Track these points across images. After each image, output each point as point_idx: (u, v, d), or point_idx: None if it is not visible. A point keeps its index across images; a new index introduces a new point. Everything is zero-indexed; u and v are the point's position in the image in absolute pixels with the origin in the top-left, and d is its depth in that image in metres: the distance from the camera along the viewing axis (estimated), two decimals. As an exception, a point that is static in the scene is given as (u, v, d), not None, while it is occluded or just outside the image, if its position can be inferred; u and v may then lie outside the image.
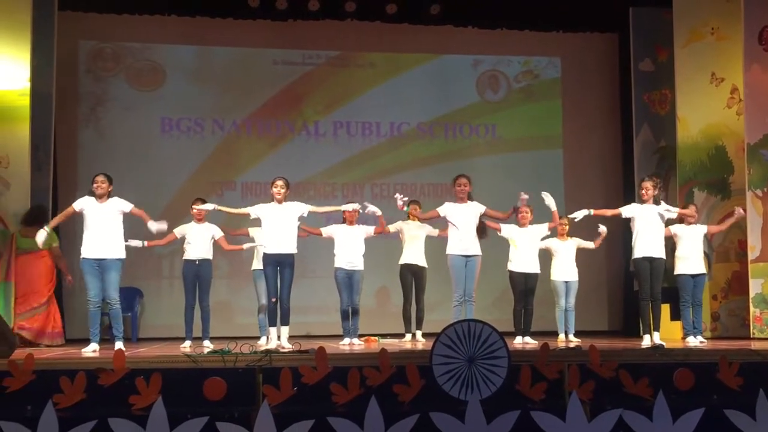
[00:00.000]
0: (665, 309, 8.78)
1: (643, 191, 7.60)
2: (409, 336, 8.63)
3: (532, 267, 8.22)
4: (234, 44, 10.99)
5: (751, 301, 8.86)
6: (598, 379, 5.31)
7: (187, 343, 7.80)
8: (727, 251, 9.41)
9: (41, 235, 6.90)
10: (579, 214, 7.57)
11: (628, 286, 11.12)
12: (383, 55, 11.36)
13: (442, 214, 7.59)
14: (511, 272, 8.23)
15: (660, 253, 7.54)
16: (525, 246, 8.18)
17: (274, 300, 7.08)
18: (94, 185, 6.89)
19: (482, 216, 7.61)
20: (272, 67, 11.14)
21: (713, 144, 9.74)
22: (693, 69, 9.87)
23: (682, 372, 5.43)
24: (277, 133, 11.05)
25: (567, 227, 8.62)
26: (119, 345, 6.79)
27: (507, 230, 8.15)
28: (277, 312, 7.21)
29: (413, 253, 8.58)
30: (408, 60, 11.39)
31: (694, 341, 7.86)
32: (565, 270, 8.62)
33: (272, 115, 11.06)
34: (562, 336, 8.62)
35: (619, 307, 11.46)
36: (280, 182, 7.21)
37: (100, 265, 6.80)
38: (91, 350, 6.75)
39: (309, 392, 5.08)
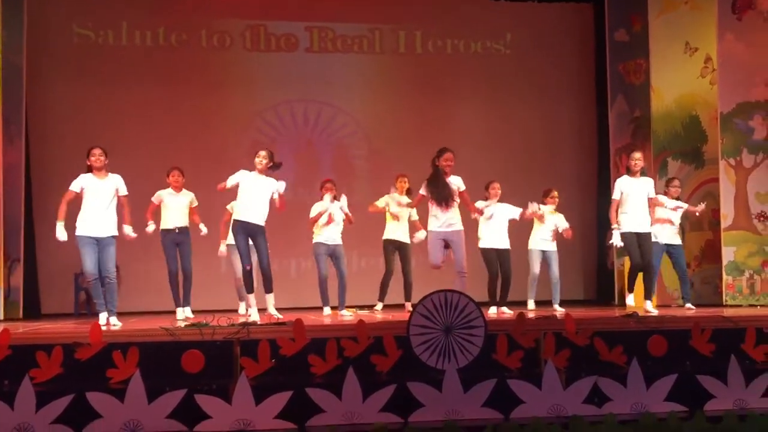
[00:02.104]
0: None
1: (633, 162, 7.64)
2: (380, 305, 8.66)
3: (503, 243, 8.31)
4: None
5: (723, 268, 8.97)
6: (574, 347, 5.37)
7: (180, 310, 7.79)
8: (701, 220, 9.51)
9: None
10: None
11: (602, 255, 11.24)
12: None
13: (424, 193, 7.49)
14: (482, 249, 8.33)
15: (647, 227, 7.62)
16: (496, 222, 8.29)
17: (248, 267, 7.06)
18: (92, 158, 6.74)
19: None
20: None
21: (687, 113, 9.80)
22: (667, 39, 9.90)
23: (656, 339, 5.50)
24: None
25: (556, 200, 8.71)
26: (114, 320, 6.75)
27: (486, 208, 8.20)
28: (252, 279, 7.20)
29: (397, 229, 8.62)
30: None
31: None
32: (543, 240, 8.67)
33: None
34: (531, 303, 8.65)
35: (593, 276, 11.57)
36: (263, 152, 7.19)
37: (99, 242, 6.70)
38: (104, 320, 6.71)
39: (287, 364, 5.09)
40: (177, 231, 7.89)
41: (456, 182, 7.32)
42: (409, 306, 8.64)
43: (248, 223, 7.04)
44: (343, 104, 11.30)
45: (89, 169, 6.78)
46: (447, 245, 7.24)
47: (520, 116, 11.56)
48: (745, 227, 8.95)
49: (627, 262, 8.11)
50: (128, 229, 6.92)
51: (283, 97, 11.17)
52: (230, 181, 7.12)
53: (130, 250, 10.12)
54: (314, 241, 8.22)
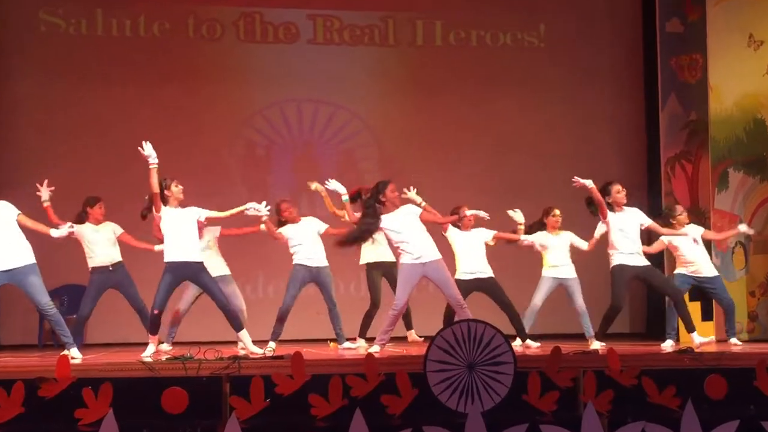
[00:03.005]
0: (696, 308, 8.83)
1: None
2: (361, 341, 8.47)
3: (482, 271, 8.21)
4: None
5: (793, 298, 8.94)
6: (618, 388, 5.35)
7: (163, 345, 7.85)
8: (766, 241, 9.48)
9: None
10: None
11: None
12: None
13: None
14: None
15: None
16: (468, 250, 8.19)
17: (156, 312, 7.04)
18: None
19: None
20: None
21: (751, 117, 9.78)
22: (728, 30, 9.89)
23: (714, 378, 5.47)
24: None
25: (559, 219, 8.61)
26: (74, 351, 6.88)
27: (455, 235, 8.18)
28: (158, 321, 7.20)
29: (380, 250, 8.53)
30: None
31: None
32: (554, 267, 8.51)
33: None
34: (519, 340, 8.32)
35: (641, 306, 11.52)
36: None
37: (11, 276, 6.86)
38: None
39: (284, 404, 5.09)
40: (111, 268, 7.92)
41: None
42: (412, 334, 8.63)
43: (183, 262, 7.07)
44: (351, 104, 11.36)
45: None
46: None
47: (556, 119, 11.56)
48: (819, 249, 8.92)
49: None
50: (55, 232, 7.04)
51: (281, 95, 11.24)
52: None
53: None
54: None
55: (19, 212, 7.00)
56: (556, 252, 8.47)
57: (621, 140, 11.76)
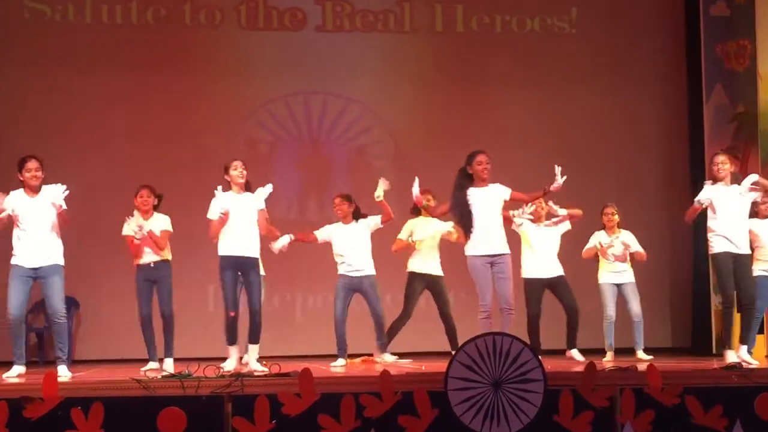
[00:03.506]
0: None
1: (716, 167, 7.68)
2: (388, 356, 8.67)
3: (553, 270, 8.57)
4: None
5: None
6: (659, 408, 5.33)
7: (152, 364, 7.87)
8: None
9: None
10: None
11: (699, 292, 11.12)
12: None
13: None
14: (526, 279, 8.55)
15: (745, 247, 7.63)
16: (543, 246, 8.51)
17: (232, 314, 7.14)
18: (26, 174, 7.01)
19: (506, 201, 7.62)
20: None
21: (805, 108, 9.75)
22: (779, 13, 9.88)
23: (766, 397, 5.44)
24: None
25: (616, 217, 8.72)
26: (63, 369, 6.93)
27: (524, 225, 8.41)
28: (236, 327, 7.29)
29: (424, 260, 8.65)
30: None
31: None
32: (612, 271, 8.73)
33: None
34: (610, 354, 8.70)
35: (685, 318, 11.47)
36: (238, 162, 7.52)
37: (37, 273, 6.96)
38: (16, 374, 6.79)
39: (291, 425, 5.09)
40: (152, 266, 8.00)
41: (497, 191, 7.54)
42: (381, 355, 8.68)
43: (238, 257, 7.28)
44: (363, 96, 11.37)
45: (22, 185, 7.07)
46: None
47: (589, 113, 11.54)
48: None
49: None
50: None
51: (287, 87, 11.27)
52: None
53: (93, 283, 10.25)
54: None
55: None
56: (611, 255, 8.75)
57: (661, 135, 11.72)
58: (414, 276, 8.79)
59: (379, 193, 8.16)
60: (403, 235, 8.72)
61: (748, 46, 10.33)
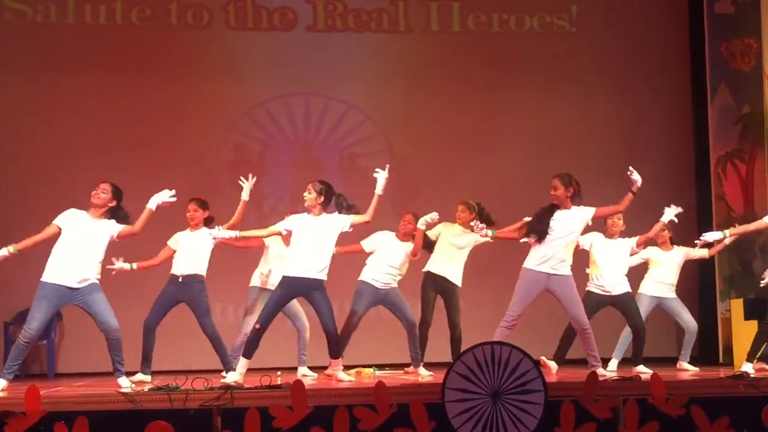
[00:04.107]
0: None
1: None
2: (420, 368, 8.71)
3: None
4: None
5: None
6: (664, 419, 5.35)
7: (140, 377, 7.88)
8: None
9: None
10: (710, 236, 7.72)
11: (705, 300, 11.13)
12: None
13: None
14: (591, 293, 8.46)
15: None
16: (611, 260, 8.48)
17: (258, 327, 7.12)
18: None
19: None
20: None
21: (813, 109, 9.79)
22: (786, 10, 9.91)
23: (773, 408, 5.46)
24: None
25: (669, 233, 8.91)
26: (124, 380, 6.95)
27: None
28: (258, 342, 7.27)
29: (444, 263, 8.67)
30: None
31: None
32: (660, 284, 8.88)
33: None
34: (614, 363, 8.71)
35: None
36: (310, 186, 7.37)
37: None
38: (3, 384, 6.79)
39: (283, 439, 5.10)
40: (180, 280, 7.96)
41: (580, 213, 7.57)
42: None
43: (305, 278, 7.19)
44: (357, 99, 11.40)
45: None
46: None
47: (589, 113, 11.57)
48: None
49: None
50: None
51: (276, 89, 11.29)
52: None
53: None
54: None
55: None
56: (665, 268, 8.86)
57: (664, 137, 11.74)
58: (429, 276, 8.72)
59: (421, 223, 8.18)
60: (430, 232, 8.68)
61: (754, 44, 10.36)
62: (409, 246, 8.36)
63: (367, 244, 8.46)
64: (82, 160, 10.44)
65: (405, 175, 11.05)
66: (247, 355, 7.05)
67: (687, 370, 8.54)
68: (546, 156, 11.09)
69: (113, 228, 7.00)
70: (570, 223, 7.42)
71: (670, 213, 8.34)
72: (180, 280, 7.89)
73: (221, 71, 11.12)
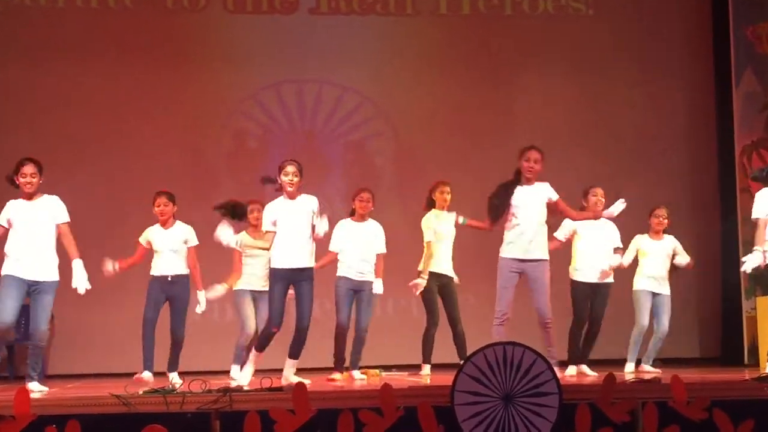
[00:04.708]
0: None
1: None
2: (427, 368, 8.77)
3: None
4: None
5: None
6: (685, 423, 5.34)
7: (146, 374, 7.92)
8: None
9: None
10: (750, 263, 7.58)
11: (729, 298, 11.13)
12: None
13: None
14: (575, 282, 8.44)
15: None
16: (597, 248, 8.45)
17: (275, 330, 7.15)
18: (21, 179, 7.08)
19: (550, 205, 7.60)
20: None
21: (843, 96, 9.78)
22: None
23: (801, 411, 5.46)
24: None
25: (666, 220, 8.80)
26: (35, 385, 7.01)
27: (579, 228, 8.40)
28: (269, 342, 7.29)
29: (440, 259, 8.69)
30: None
31: None
32: (652, 278, 8.75)
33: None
34: (631, 365, 8.70)
35: (714, 326, 11.49)
36: (291, 168, 7.27)
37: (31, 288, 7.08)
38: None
39: (285, 445, 5.11)
40: (169, 279, 8.08)
41: (542, 191, 7.49)
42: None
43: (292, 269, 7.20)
44: (361, 85, 11.41)
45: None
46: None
47: (607, 100, 11.58)
48: None
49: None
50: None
51: (277, 75, 11.32)
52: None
53: (70, 292, 10.25)
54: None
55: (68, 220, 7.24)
56: (656, 260, 8.73)
57: (686, 126, 11.74)
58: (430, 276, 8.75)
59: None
60: (429, 237, 8.68)
61: (781, 28, 10.36)
62: (368, 227, 8.45)
63: (334, 245, 8.50)
64: (74, 149, 10.47)
65: (410, 163, 11.07)
66: (260, 348, 7.19)
67: (649, 372, 8.42)
68: (560, 146, 11.04)
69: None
70: (535, 199, 7.41)
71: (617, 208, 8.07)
72: (169, 279, 8.08)
73: (219, 57, 11.14)
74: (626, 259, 8.60)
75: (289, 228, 7.12)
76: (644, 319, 8.76)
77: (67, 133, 10.63)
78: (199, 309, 8.16)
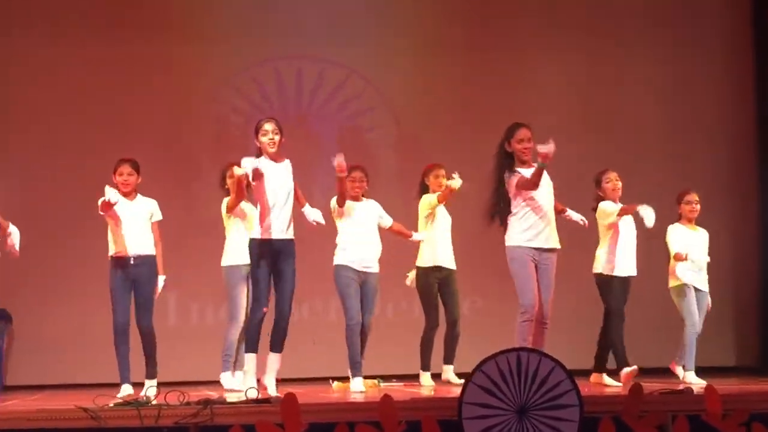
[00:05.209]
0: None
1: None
2: (428, 376, 8.74)
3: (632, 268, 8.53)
4: None
5: None
6: (720, 438, 5.35)
7: (126, 389, 7.87)
8: None
9: None
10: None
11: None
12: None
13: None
14: (603, 276, 8.45)
15: None
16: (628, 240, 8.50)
17: (265, 311, 7.13)
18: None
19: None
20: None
21: None
22: None
23: None
24: None
25: (698, 206, 8.75)
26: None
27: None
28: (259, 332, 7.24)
29: (436, 248, 8.67)
30: None
31: None
32: (694, 271, 8.70)
33: None
34: (691, 375, 8.59)
35: (752, 334, 11.50)
36: (270, 125, 7.34)
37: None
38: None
39: (272, 463, 5.11)
40: (132, 261, 7.95)
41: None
42: (450, 374, 8.70)
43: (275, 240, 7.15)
44: (358, 64, 11.41)
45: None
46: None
47: (636, 82, 11.56)
48: None
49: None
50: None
51: (265, 52, 11.32)
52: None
53: (32, 291, 10.26)
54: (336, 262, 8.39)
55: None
56: (695, 251, 8.65)
57: (723, 113, 11.72)
58: (424, 272, 8.74)
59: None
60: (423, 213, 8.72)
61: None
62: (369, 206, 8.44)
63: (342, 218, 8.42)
64: (42, 126, 10.49)
65: (414, 151, 11.04)
66: (253, 348, 7.09)
67: (691, 383, 8.26)
68: (580, 136, 11.04)
69: None
70: (545, 180, 7.44)
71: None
72: (132, 261, 7.89)
73: (206, 32, 11.15)
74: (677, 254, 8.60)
75: (273, 192, 7.10)
76: (695, 316, 8.65)
77: (39, 109, 10.67)
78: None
